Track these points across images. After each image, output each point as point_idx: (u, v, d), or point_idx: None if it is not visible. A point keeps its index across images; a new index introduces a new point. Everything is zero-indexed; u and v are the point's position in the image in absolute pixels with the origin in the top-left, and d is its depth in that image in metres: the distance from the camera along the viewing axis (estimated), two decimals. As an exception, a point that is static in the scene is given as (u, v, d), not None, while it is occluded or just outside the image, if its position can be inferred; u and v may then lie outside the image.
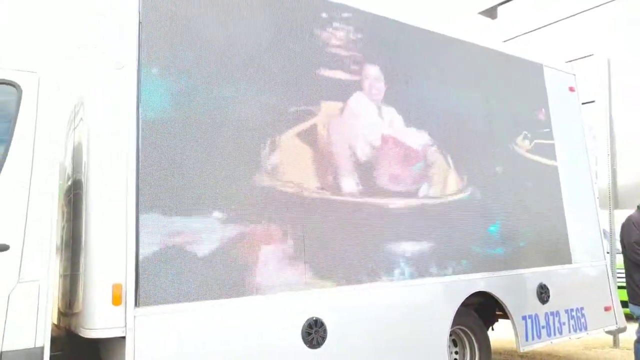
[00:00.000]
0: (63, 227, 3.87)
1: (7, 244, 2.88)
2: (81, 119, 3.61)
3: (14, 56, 3.31)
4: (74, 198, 3.59)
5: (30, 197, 3.01)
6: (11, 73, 3.12)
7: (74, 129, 3.82)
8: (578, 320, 5.64)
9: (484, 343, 5.07)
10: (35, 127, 3.11)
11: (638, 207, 5.01)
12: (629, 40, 13.16)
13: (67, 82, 3.96)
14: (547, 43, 16.03)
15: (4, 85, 3.10)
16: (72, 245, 3.54)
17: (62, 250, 3.84)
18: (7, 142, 3.02)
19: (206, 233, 3.49)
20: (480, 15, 19.95)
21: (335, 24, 4.43)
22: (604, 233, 6.65)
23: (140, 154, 3.34)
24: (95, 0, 3.62)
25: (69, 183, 3.80)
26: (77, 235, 3.43)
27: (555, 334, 5.40)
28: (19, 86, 3.12)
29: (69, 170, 3.88)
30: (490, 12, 19.84)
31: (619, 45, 13.36)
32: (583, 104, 6.58)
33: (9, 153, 3.01)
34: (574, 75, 6.52)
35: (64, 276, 3.78)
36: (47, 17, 4.47)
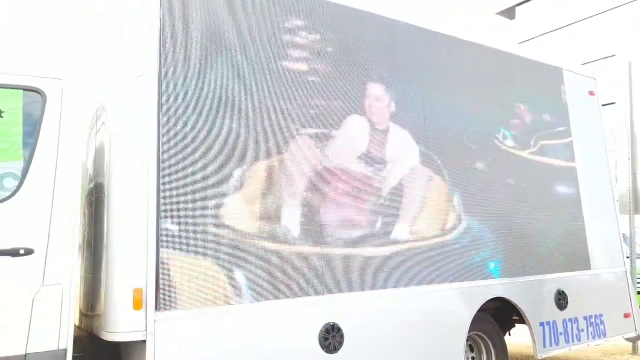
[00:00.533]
0: (85, 230, 3.94)
1: (32, 248, 2.94)
2: (103, 123, 3.66)
3: (39, 63, 3.36)
4: (95, 201, 3.64)
5: (54, 201, 3.06)
6: (36, 80, 3.17)
7: (96, 133, 3.88)
8: (597, 327, 5.58)
9: (501, 349, 5.04)
10: (59, 133, 3.16)
11: None
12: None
13: (89, 87, 4.01)
14: (567, 44, 15.83)
15: (30, 92, 3.16)
16: (94, 248, 3.60)
17: (83, 252, 3.90)
18: (32, 148, 3.08)
19: (226, 238, 3.52)
20: (498, 16, 19.77)
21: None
22: (624, 238, 6.56)
23: (161, 159, 3.38)
24: (114, 7, 3.67)
25: (91, 186, 3.86)
26: (98, 238, 3.48)
27: (573, 341, 5.35)
28: (43, 93, 3.17)
29: (90, 172, 3.94)
30: (509, 13, 19.65)
31: (641, 47, 13.14)
32: (603, 105, 6.51)
33: (34, 159, 3.06)
34: (595, 79, 6.44)
35: (85, 278, 3.84)
36: (64, 22, 4.53)
